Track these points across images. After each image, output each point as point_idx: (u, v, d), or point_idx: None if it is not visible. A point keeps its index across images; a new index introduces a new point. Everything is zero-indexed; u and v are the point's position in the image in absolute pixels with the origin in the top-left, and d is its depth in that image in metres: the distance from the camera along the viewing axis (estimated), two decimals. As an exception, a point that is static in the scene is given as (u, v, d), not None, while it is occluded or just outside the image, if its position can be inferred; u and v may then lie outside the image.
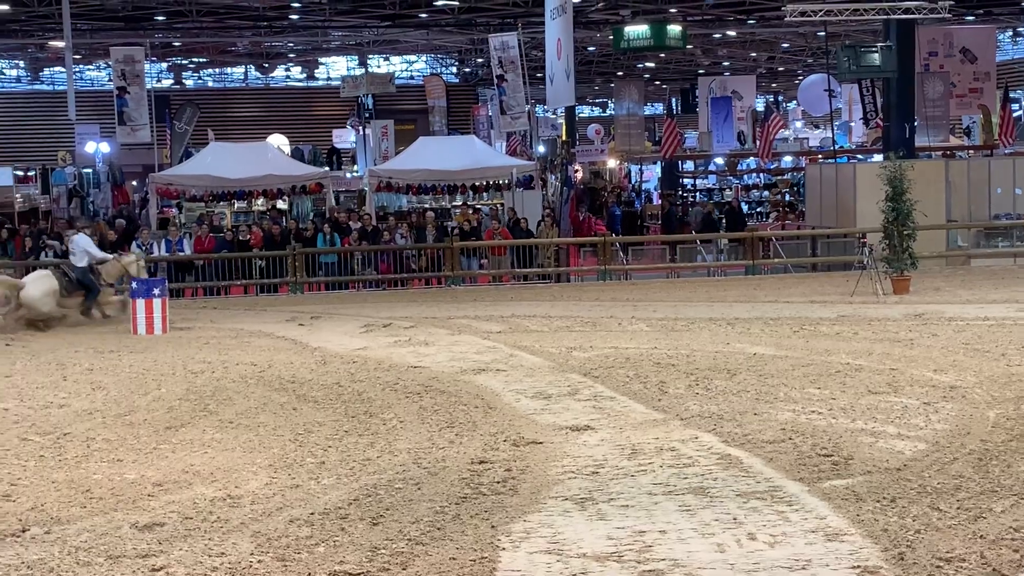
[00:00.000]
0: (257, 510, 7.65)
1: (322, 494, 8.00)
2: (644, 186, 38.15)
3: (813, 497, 7.54)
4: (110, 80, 47.92)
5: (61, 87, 49.05)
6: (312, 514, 7.50)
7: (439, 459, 8.87)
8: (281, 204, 26.35)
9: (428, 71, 51.57)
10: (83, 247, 17.76)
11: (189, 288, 22.32)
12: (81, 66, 47.05)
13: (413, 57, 52.54)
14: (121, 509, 7.78)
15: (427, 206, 26.15)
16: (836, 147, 31.96)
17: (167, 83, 50.15)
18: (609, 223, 28.13)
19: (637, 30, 27.99)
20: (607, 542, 6.76)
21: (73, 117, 31.09)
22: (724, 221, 27.99)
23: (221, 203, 26.06)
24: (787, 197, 33.60)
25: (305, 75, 53.25)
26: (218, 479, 8.47)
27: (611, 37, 29.91)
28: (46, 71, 51.23)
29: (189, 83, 52.82)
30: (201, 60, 50.83)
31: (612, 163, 41.46)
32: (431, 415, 10.53)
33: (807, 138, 38.98)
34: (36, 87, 52.23)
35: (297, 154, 34.93)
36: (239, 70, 53.58)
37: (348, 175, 36.93)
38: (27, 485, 8.45)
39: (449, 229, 24.42)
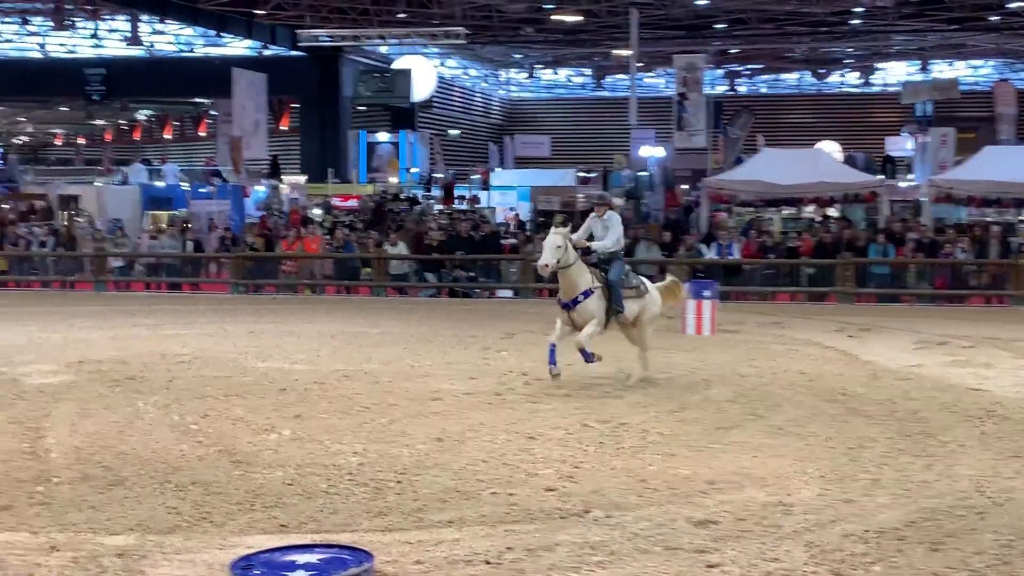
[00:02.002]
0: (810, 520, 7.54)
1: (877, 512, 7.73)
2: None
3: None
4: (667, 86, 49.89)
5: (621, 93, 51.66)
6: (867, 531, 7.26)
7: (1004, 489, 8.26)
8: (832, 212, 25.94)
9: (996, 76, 48.50)
10: None
11: (737, 292, 22.56)
12: (641, 73, 49.23)
13: (979, 62, 49.66)
14: (676, 503, 7.97)
15: (990, 220, 24.59)
16: None
17: (720, 89, 51.12)
18: None
19: None
20: None
21: (633, 122, 32.57)
22: None
23: (770, 209, 26.13)
24: None
25: (861, 80, 52.10)
26: (769, 484, 8.44)
27: None
28: (608, 78, 54.14)
29: (742, 89, 53.52)
30: (756, 66, 51.33)
31: None
32: (994, 442, 9.85)
33: None
34: (598, 94, 55.38)
35: (850, 161, 34.18)
36: (793, 76, 53.50)
37: (903, 184, 35.59)
38: (588, 470, 8.90)
39: (1015, 245, 22.79)
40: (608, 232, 12.44)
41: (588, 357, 12.12)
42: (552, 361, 12.05)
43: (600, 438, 9.96)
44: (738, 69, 52.03)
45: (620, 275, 12.37)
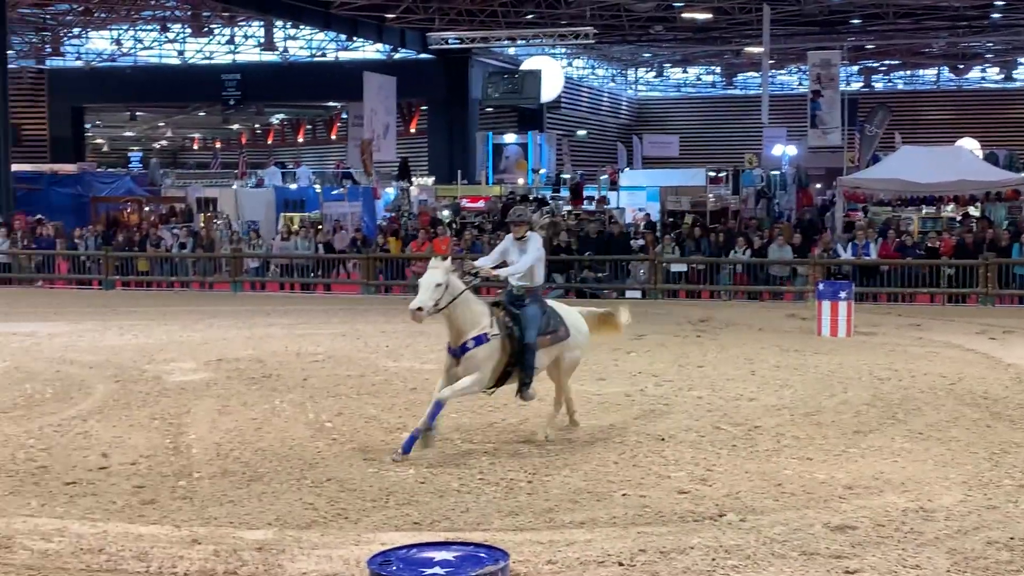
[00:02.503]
0: (952, 527, 7.32)
1: (1022, 519, 7.47)
2: None
3: None
4: (800, 84, 49.08)
5: (753, 91, 50.99)
6: (1012, 539, 7.03)
7: None
8: (973, 211, 25.17)
9: None
10: None
11: (874, 293, 22.05)
12: (773, 71, 48.49)
13: None
14: (812, 507, 7.81)
15: None
16: None
17: (856, 86, 50.09)
18: None
19: None
20: None
21: (766, 120, 32.08)
22: None
23: (908, 208, 25.46)
24: None
25: (1002, 76, 50.49)
26: (909, 489, 8.22)
27: None
28: (739, 76, 53.50)
29: (878, 85, 52.35)
30: (893, 62, 50.17)
31: None
32: None
33: None
34: (729, 92, 54.76)
35: (991, 158, 33.13)
36: (931, 72, 52.13)
37: (1047, 182, 34.35)
38: (721, 472, 8.78)
39: None
40: (524, 258, 9.52)
41: (427, 424, 9.17)
42: (431, 422, 9.19)
43: (733, 441, 9.82)
44: (874, 65, 50.93)
45: (536, 329, 9.43)
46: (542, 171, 39.59)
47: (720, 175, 36.14)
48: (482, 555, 4.52)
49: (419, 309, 8.96)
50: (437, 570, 4.36)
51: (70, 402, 11.49)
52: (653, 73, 54.80)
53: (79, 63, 45.21)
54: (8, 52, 33.87)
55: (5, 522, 7.38)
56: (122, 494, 8.15)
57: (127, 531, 7.21)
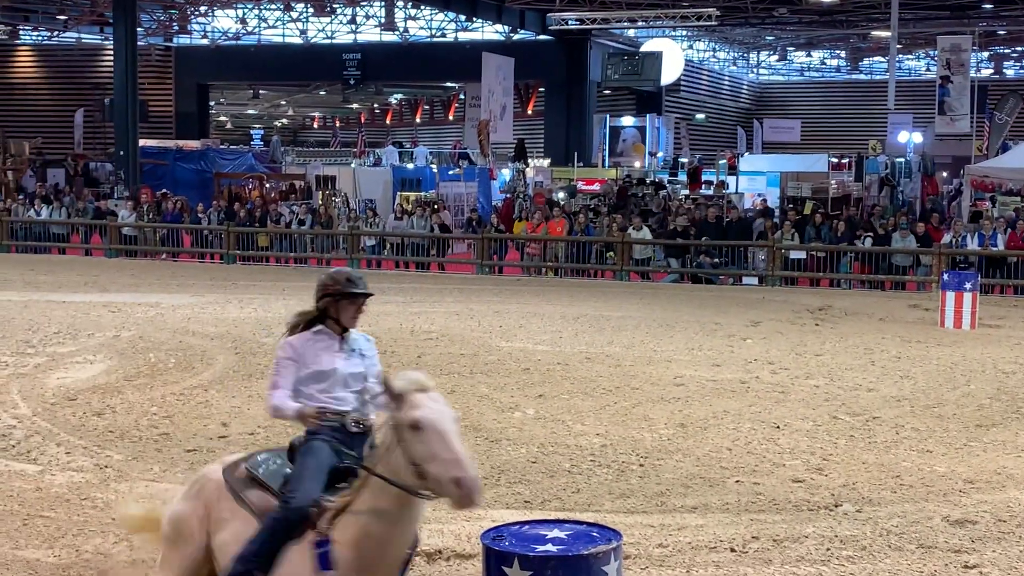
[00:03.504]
0: (1080, 527, 7.07)
1: None
2: None
3: None
4: (928, 69, 47.82)
5: (878, 76, 49.84)
6: None
7: None
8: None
9: None
10: None
11: (1000, 285, 21.39)
12: (900, 55, 47.31)
13: None
14: (931, 500, 7.63)
15: None
16: None
17: (986, 72, 48.60)
18: None
19: None
20: None
21: (891, 106, 31.31)
22: None
23: (1039, 198, 24.62)
24: None
25: None
26: (1034, 486, 7.97)
27: None
28: (864, 61, 52.33)
29: (1010, 73, 50.74)
30: (1025, 48, 48.60)
31: None
32: None
33: None
34: (853, 76, 53.60)
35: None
36: (1066, 58, 50.37)
37: None
38: (838, 462, 8.62)
39: None
40: None
41: None
42: None
43: (850, 431, 9.63)
44: (1006, 52, 49.32)
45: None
46: (659, 154, 39.27)
47: (843, 161, 35.36)
48: (594, 534, 4.49)
49: None
50: (549, 547, 4.34)
51: (192, 372, 11.77)
52: (776, 56, 53.88)
53: (205, 41, 46.17)
54: (137, 30, 34.73)
55: (128, 486, 7.60)
56: (240, 462, 8.31)
57: (244, 498, 7.34)
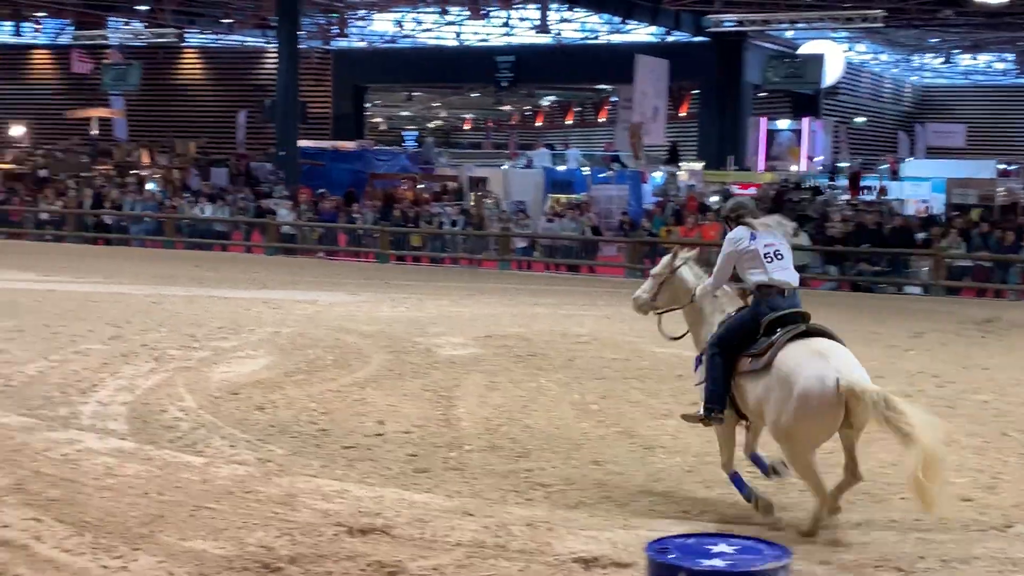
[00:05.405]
0: None
1: None
2: None
3: None
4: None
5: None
6: None
7: None
8: None
9: None
10: None
11: None
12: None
13: None
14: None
15: None
16: None
17: None
18: None
19: None
20: None
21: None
22: None
23: None
24: None
25: None
26: None
27: None
28: (1033, 64, 50.33)
29: None
30: None
31: None
32: None
33: None
34: (1021, 80, 51.61)
35: None
36: None
37: None
38: (1009, 481, 8.27)
39: None
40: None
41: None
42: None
43: (1022, 448, 9.22)
44: None
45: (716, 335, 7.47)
46: (817, 158, 38.45)
47: (1011, 168, 34.13)
48: (763, 549, 4.37)
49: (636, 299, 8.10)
50: (716, 561, 4.24)
51: (348, 369, 11.95)
52: (940, 59, 52.21)
53: (362, 44, 47.03)
54: (299, 33, 35.57)
55: (289, 480, 7.73)
56: (397, 461, 8.40)
57: (402, 497, 7.42)
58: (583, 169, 36.36)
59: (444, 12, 44.28)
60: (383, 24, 46.79)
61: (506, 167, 37.61)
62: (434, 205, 28.91)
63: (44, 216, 29.99)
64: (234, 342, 13.40)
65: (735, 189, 32.18)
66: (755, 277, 7.23)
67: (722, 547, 4.39)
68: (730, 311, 7.45)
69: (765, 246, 7.25)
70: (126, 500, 7.17)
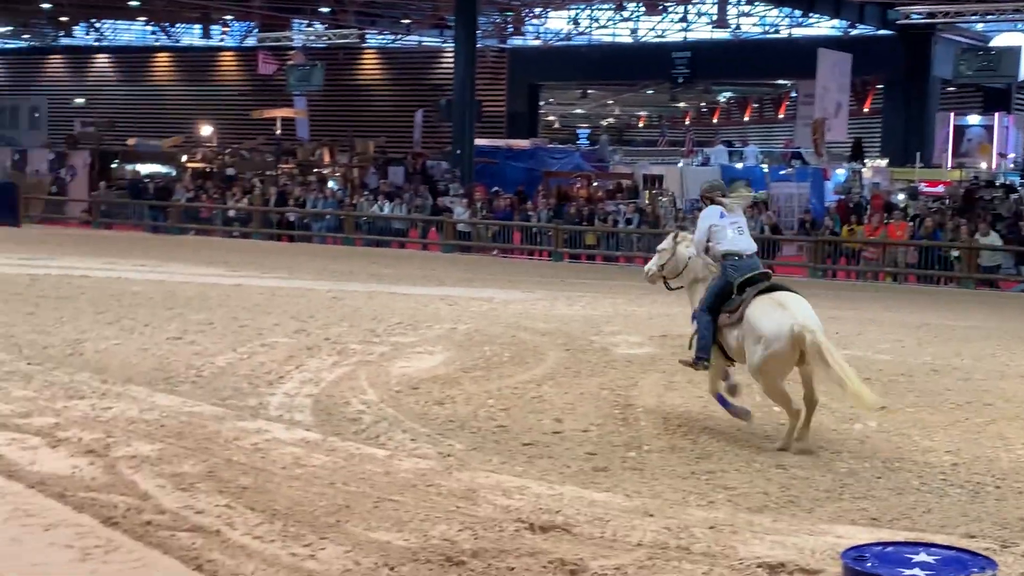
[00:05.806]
0: None
1: None
2: None
3: None
4: None
5: None
6: None
7: None
8: None
9: None
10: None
11: None
12: None
13: None
14: None
15: None
16: None
17: None
18: None
19: None
20: None
21: None
22: None
23: None
24: None
25: None
26: None
27: None
28: None
29: None
30: None
31: None
32: None
33: None
34: None
35: None
36: None
37: None
38: None
39: None
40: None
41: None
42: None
43: None
44: None
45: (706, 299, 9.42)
46: (1009, 155, 36.84)
47: None
48: (967, 560, 4.15)
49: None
50: (917, 572, 4.05)
51: (525, 366, 11.96)
52: None
53: (537, 42, 47.24)
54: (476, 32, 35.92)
55: (470, 475, 7.77)
56: (575, 459, 8.35)
57: (581, 495, 7.36)
58: (762, 166, 35.69)
59: (620, 8, 44.14)
60: (558, 22, 46.92)
61: (682, 164, 37.19)
62: (608, 203, 28.80)
63: (231, 213, 31.09)
64: (412, 337, 13.58)
65: (922, 187, 31.13)
66: (722, 247, 9.14)
67: (923, 556, 4.19)
68: (712, 279, 9.33)
69: (731, 223, 9.21)
70: (313, 490, 7.32)
